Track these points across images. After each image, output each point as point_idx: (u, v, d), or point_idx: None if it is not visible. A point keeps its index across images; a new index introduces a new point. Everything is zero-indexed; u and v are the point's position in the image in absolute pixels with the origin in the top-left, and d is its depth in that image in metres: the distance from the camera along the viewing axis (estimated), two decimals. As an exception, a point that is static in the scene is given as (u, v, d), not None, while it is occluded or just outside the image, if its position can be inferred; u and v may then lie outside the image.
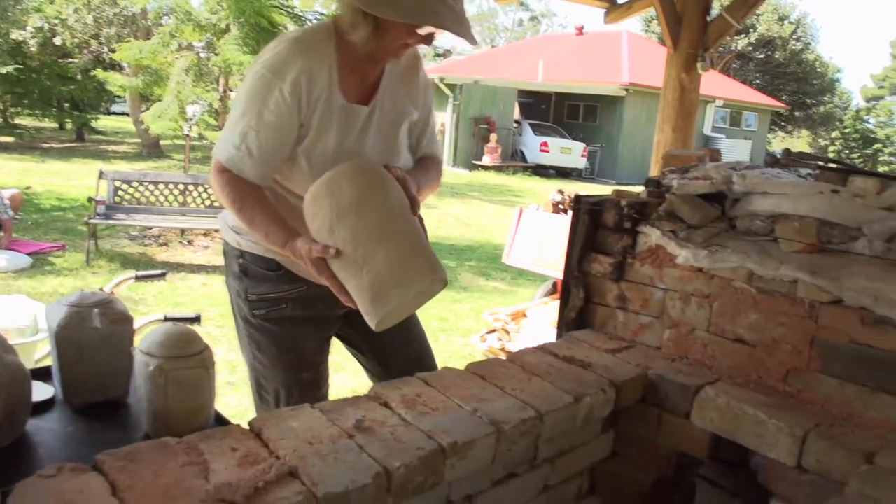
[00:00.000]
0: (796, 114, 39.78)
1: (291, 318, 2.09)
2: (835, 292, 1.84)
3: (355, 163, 1.75)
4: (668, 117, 4.84)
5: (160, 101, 9.91)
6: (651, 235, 2.18)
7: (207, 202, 8.46)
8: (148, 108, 10.35)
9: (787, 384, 1.93)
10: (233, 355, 5.26)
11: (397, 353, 2.20)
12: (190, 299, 6.63)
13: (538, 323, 5.10)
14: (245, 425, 1.53)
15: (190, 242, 8.92)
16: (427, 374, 1.84)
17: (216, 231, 8.86)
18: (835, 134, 43.14)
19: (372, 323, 1.64)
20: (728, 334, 2.04)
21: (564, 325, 2.35)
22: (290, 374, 2.12)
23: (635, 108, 24.51)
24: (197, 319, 2.91)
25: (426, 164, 2.11)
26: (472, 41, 1.84)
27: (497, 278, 8.48)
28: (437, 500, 1.59)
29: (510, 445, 1.64)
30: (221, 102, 10.02)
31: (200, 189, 8.46)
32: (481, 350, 5.31)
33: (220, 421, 1.78)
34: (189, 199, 8.47)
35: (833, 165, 2.26)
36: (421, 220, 1.76)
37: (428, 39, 1.85)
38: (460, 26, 1.77)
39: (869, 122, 44.37)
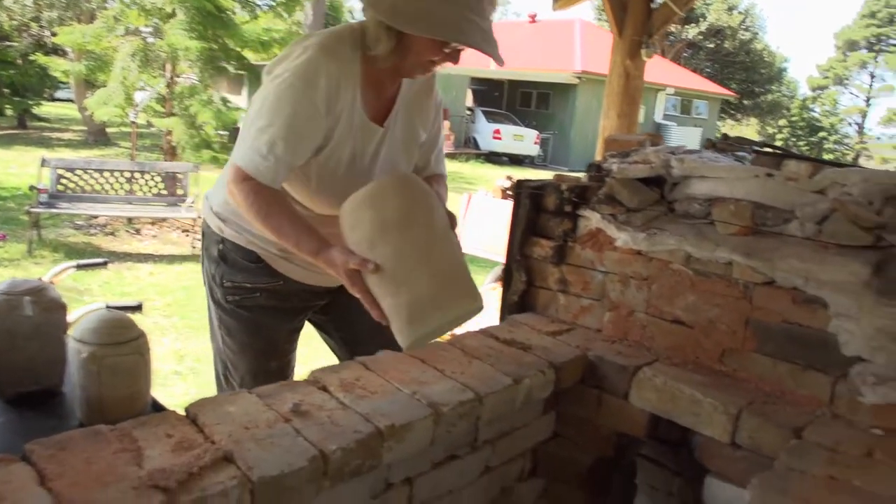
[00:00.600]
0: (745, 102, 40.47)
1: (265, 307, 2.08)
2: (768, 273, 1.88)
3: (402, 176, 1.73)
4: (613, 103, 4.89)
5: (105, 87, 9.68)
6: (591, 219, 2.20)
7: (154, 190, 8.32)
8: (93, 95, 10.06)
9: (723, 364, 1.97)
10: (180, 345, 5.20)
11: (367, 341, 2.17)
12: (137, 289, 6.53)
13: (487, 308, 5.11)
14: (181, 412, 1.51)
15: (137, 231, 8.77)
16: (367, 358, 1.83)
17: (164, 220, 8.73)
18: (782, 122, 43.97)
19: (405, 343, 1.60)
20: (666, 315, 2.07)
21: (507, 309, 2.36)
22: (259, 361, 2.12)
23: (587, 95, 24.68)
24: (138, 308, 2.86)
25: (436, 181, 2.08)
26: (500, 61, 1.78)
27: (449, 265, 8.47)
28: (376, 483, 1.59)
29: (449, 427, 1.64)
30: (169, 89, 9.83)
31: (147, 177, 8.32)
32: (431, 336, 5.31)
33: (158, 408, 1.76)
34: (136, 188, 8.31)
35: (768, 150, 2.30)
36: (456, 237, 1.74)
37: (454, 58, 1.81)
38: (487, 44, 1.72)
39: (814, 111, 45.32)
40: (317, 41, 1.79)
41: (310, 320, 2.27)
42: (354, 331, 2.21)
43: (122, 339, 1.63)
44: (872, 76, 45.42)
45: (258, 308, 2.07)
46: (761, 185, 2.01)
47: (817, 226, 1.92)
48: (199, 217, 8.32)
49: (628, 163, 2.24)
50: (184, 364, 4.88)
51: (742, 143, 2.40)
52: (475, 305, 1.62)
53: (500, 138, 22.93)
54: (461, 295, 1.61)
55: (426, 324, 1.57)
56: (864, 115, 45.95)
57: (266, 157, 1.75)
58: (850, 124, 45.89)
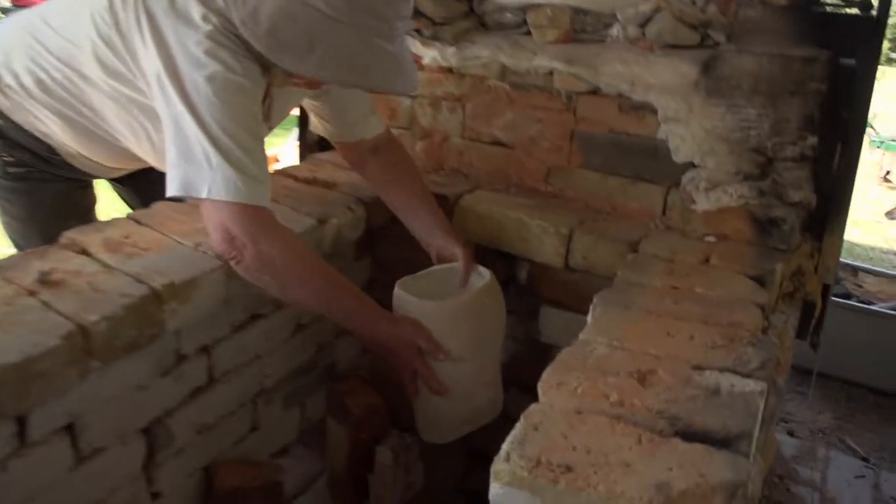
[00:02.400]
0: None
1: (53, 181, 1.65)
2: (591, 80, 1.75)
3: (498, 289, 1.60)
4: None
5: None
6: (393, 36, 1.93)
7: None
8: None
9: (548, 184, 1.86)
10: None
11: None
12: None
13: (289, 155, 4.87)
14: None
15: None
16: (139, 213, 1.52)
17: None
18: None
19: (440, 439, 1.63)
20: (484, 138, 1.91)
21: (306, 149, 2.10)
22: (54, 224, 1.66)
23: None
24: None
25: (399, 152, 1.71)
26: (413, 90, 1.50)
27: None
28: (164, 356, 1.33)
29: (245, 282, 1.38)
30: None
31: None
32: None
33: None
34: None
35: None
36: None
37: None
38: (401, 80, 1.37)
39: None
40: (211, 32, 1.31)
41: None
42: (153, 189, 1.83)
43: None
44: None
45: (46, 180, 1.65)
46: (578, -12, 1.81)
47: (640, 28, 1.76)
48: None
49: (431, -29, 1.96)
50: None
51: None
52: (498, 413, 1.68)
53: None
54: (498, 405, 1.67)
55: (467, 428, 1.62)
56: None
57: (264, 180, 1.33)
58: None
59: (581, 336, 1.24)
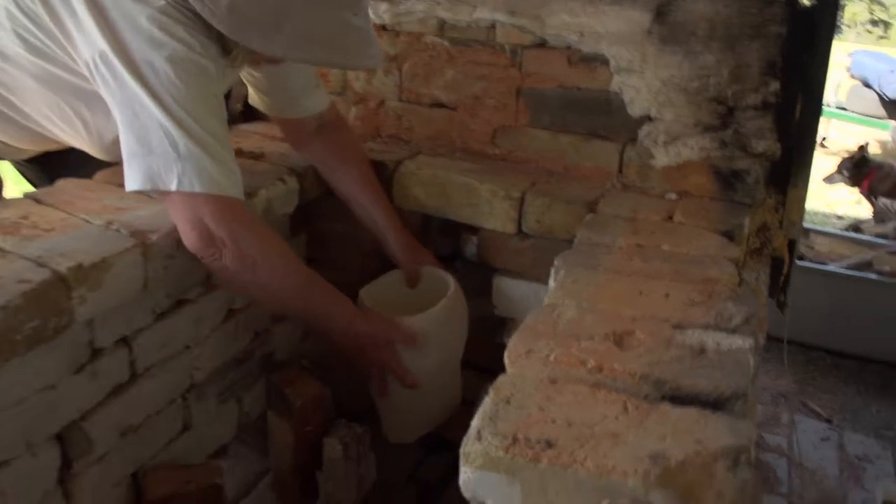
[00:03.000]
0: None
1: None
2: (537, 32, 1.65)
3: (462, 296, 1.57)
4: None
5: None
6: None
7: None
8: None
9: (495, 146, 1.75)
10: None
11: (78, 166, 1.62)
12: None
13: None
14: None
15: None
16: (39, 191, 1.36)
17: None
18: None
19: (406, 439, 1.64)
20: (424, 99, 1.79)
21: (231, 119, 1.93)
22: None
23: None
24: None
25: (361, 169, 1.58)
26: (379, 63, 1.40)
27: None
28: (76, 351, 1.17)
29: (166, 262, 1.23)
30: None
31: None
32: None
33: None
34: None
35: None
36: None
37: None
38: (370, 56, 1.29)
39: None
40: (165, 7, 1.17)
41: None
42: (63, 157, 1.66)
43: None
44: None
45: None
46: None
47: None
48: None
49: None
50: None
51: None
52: (458, 406, 1.67)
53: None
54: (459, 398, 1.66)
55: (433, 425, 1.63)
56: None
57: (236, 170, 1.24)
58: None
59: (547, 300, 1.12)
